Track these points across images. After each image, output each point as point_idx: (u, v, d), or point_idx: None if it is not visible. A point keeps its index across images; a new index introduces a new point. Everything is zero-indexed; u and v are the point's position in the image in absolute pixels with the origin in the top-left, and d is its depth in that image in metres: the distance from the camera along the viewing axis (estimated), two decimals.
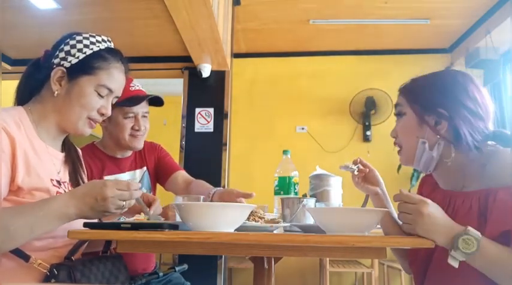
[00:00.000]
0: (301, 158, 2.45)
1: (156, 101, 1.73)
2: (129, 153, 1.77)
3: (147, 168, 1.83)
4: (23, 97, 1.14)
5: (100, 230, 0.89)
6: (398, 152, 1.17)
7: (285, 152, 1.63)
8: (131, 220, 1.13)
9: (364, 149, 4.06)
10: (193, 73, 3.53)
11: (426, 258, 1.05)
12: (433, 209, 0.88)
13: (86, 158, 1.60)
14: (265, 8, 3.48)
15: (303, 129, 4.20)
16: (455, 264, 0.85)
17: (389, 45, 4.16)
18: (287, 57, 4.33)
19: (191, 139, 3.47)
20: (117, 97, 1.18)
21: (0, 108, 1.01)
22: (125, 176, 1.75)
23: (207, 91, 3.55)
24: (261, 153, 4.09)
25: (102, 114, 1.14)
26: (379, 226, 1.20)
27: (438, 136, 1.04)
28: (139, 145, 1.68)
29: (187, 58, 3.38)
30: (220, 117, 3.52)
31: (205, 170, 3.42)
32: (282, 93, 4.27)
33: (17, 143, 0.99)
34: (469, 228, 0.86)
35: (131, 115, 1.64)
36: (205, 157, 3.45)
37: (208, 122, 3.52)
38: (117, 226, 0.87)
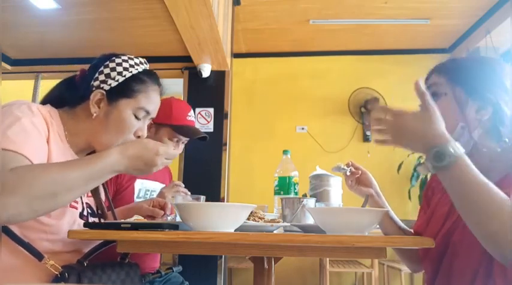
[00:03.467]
0: (301, 158, 2.45)
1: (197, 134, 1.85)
2: None
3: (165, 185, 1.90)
4: (52, 101, 1.14)
5: (100, 230, 0.89)
6: None
7: (285, 152, 1.63)
8: (131, 220, 1.13)
9: (364, 149, 4.06)
10: (193, 73, 3.53)
11: (439, 254, 1.03)
12: (411, 120, 0.86)
13: None
14: (265, 8, 3.48)
15: (303, 129, 4.20)
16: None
17: (389, 45, 4.16)
18: (287, 57, 4.33)
19: (191, 139, 3.46)
20: (152, 118, 1.18)
21: None
22: (154, 183, 1.83)
23: (207, 91, 3.55)
24: (261, 153, 4.09)
25: (138, 137, 1.14)
26: (378, 226, 1.20)
27: (480, 122, 0.97)
28: (168, 164, 1.76)
29: (187, 58, 3.38)
30: (220, 117, 3.52)
31: (205, 170, 3.44)
32: (282, 93, 4.27)
33: (51, 137, 1.01)
34: (449, 143, 0.82)
35: (176, 139, 1.77)
36: (205, 157, 3.45)
37: (208, 122, 3.52)
38: (117, 226, 0.87)
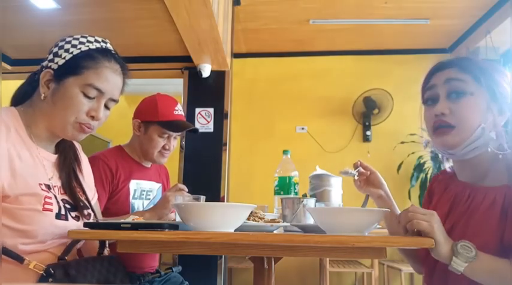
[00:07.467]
0: (301, 158, 2.45)
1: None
2: (150, 164, 1.86)
3: (162, 185, 1.92)
4: (17, 99, 1.13)
5: (100, 230, 0.89)
6: (445, 131, 1.03)
7: (285, 152, 1.63)
8: (130, 219, 1.12)
9: (364, 150, 4.06)
10: (193, 73, 3.52)
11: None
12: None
13: (115, 160, 1.70)
14: (265, 8, 3.48)
15: (303, 129, 4.20)
16: (459, 269, 0.87)
17: (389, 45, 4.16)
18: (287, 57, 4.33)
19: (191, 139, 3.47)
20: (113, 100, 1.12)
21: (0, 108, 1.00)
22: (150, 183, 1.83)
23: (207, 91, 3.55)
24: (261, 153, 4.09)
25: (92, 117, 1.08)
26: (379, 226, 1.20)
27: (495, 126, 1.01)
28: (164, 161, 1.81)
29: (187, 58, 3.38)
30: (220, 117, 3.51)
31: (205, 170, 3.43)
32: (282, 93, 4.26)
33: (7, 142, 0.96)
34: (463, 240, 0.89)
35: (166, 135, 1.75)
36: (205, 157, 3.44)
37: (208, 122, 3.51)
38: (117, 226, 0.87)
